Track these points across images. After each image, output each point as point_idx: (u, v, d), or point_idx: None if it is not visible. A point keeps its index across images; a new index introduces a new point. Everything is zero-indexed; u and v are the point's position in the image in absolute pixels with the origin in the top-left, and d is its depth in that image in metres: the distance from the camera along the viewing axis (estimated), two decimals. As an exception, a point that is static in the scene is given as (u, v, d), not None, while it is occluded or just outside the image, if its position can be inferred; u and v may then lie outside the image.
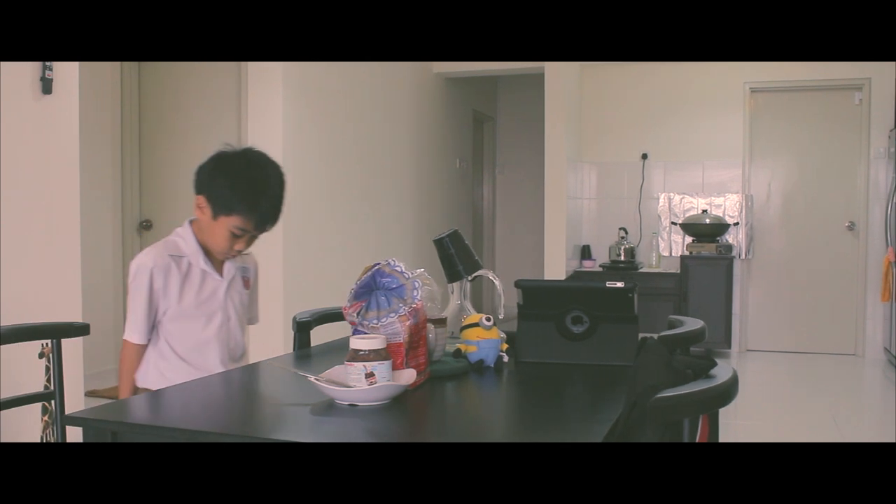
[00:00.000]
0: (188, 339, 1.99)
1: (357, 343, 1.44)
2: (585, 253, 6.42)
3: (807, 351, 6.21)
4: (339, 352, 2.06)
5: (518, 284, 1.84)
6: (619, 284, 1.81)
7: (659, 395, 1.23)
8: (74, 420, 1.34)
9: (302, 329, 2.05)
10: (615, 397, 1.57)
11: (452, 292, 1.89)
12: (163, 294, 1.95)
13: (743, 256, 6.21)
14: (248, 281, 2.12)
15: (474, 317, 1.76)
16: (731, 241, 6.17)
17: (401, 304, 1.50)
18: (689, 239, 6.19)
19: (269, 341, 4.64)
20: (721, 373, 1.37)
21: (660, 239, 6.40)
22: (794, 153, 6.27)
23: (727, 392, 1.30)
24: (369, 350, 1.43)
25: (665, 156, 6.42)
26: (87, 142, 3.41)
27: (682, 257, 5.97)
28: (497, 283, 1.87)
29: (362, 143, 5.52)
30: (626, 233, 6.38)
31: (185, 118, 5.03)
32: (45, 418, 2.97)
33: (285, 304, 4.68)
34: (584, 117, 6.54)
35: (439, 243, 1.88)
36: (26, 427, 2.57)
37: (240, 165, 1.92)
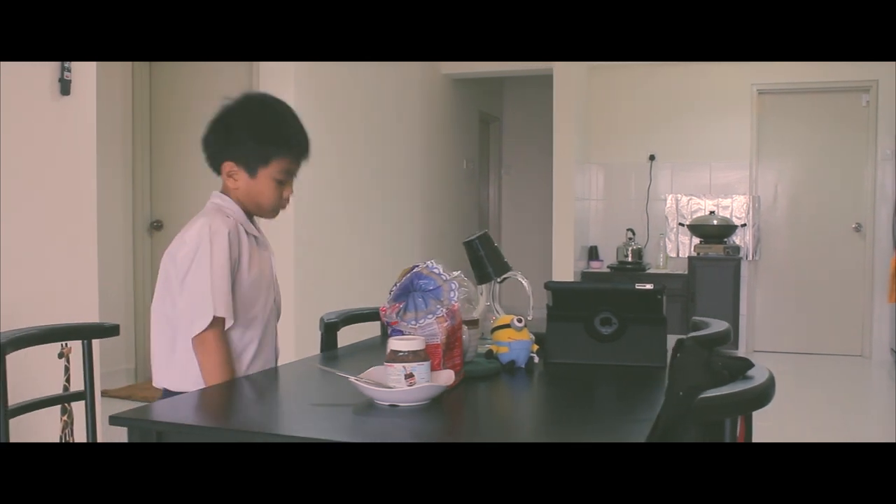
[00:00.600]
0: (250, 324, 1.77)
1: (396, 344, 1.45)
2: (593, 254, 6.44)
3: (813, 352, 6.23)
4: (367, 352, 2.07)
5: (548, 286, 1.85)
6: (649, 286, 1.83)
7: (704, 395, 1.24)
8: (119, 420, 1.35)
9: (329, 330, 2.06)
10: (649, 397, 1.59)
11: (482, 294, 1.91)
12: (237, 265, 1.73)
13: (750, 258, 6.23)
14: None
15: (505, 318, 1.78)
16: (738, 242, 6.19)
17: (438, 306, 1.52)
18: (696, 240, 6.20)
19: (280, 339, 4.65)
20: (758, 373, 1.39)
21: (667, 240, 6.42)
22: (801, 155, 6.29)
23: (766, 392, 1.32)
24: (408, 351, 1.45)
25: (672, 157, 6.44)
26: (99, 142, 3.41)
27: (690, 258, 5.99)
28: (526, 284, 1.88)
29: (373, 143, 5.54)
30: (634, 234, 6.40)
31: (196, 118, 4.99)
32: (65, 418, 2.99)
33: (296, 303, 4.70)
34: (592, 119, 6.56)
35: (469, 245, 1.89)
36: (42, 427, 2.58)
37: (251, 113, 1.82)
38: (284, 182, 1.84)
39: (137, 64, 5.04)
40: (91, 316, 3.36)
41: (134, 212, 5.05)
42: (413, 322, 1.51)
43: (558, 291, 1.87)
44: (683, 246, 6.36)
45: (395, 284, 1.52)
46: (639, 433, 1.30)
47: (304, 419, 1.44)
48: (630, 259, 6.25)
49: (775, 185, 6.36)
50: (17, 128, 3.00)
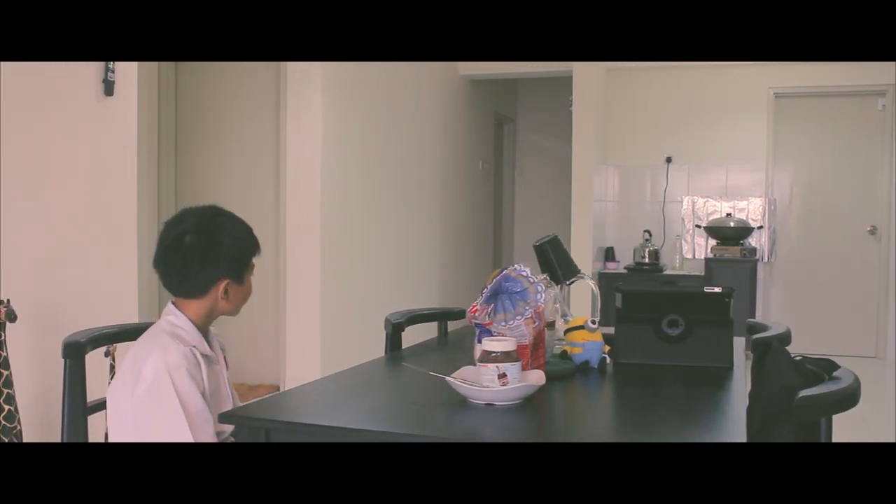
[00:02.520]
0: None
1: (490, 345, 1.49)
2: (609, 255, 6.49)
3: (828, 353, 6.28)
4: (432, 352, 2.11)
5: (618, 289, 1.90)
6: (717, 290, 1.87)
7: (803, 395, 1.28)
8: (228, 418, 1.39)
9: (395, 330, 2.10)
10: (725, 397, 1.63)
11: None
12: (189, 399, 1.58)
13: (765, 260, 6.28)
14: (227, 360, 1.83)
15: (579, 319, 1.82)
16: (754, 244, 6.24)
17: (526, 307, 1.56)
18: (712, 242, 6.25)
19: (306, 334, 4.70)
20: (844, 375, 1.43)
21: (683, 242, 6.47)
22: (816, 158, 6.35)
23: (857, 392, 1.36)
24: (501, 352, 1.49)
25: (689, 159, 6.49)
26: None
27: (707, 260, 6.04)
28: (594, 287, 1.92)
29: (393, 143, 5.58)
30: (651, 235, 6.44)
31: (221, 118, 5.07)
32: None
33: (322, 298, 4.74)
34: (608, 121, 6.60)
35: (540, 249, 1.93)
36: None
37: (221, 225, 1.72)
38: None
39: (163, 64, 5.07)
40: (131, 315, 3.39)
41: (159, 211, 5.07)
42: (503, 323, 1.55)
43: (628, 294, 1.91)
44: (699, 247, 6.41)
45: (486, 287, 1.56)
46: (736, 432, 1.34)
47: (407, 417, 1.48)
48: (647, 260, 6.29)
49: (791, 188, 6.41)
50: (63, 129, 3.04)
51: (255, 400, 1.52)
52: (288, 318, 4.76)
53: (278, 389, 4.80)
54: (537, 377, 1.53)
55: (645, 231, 6.47)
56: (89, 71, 3.15)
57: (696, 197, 6.48)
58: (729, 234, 6.14)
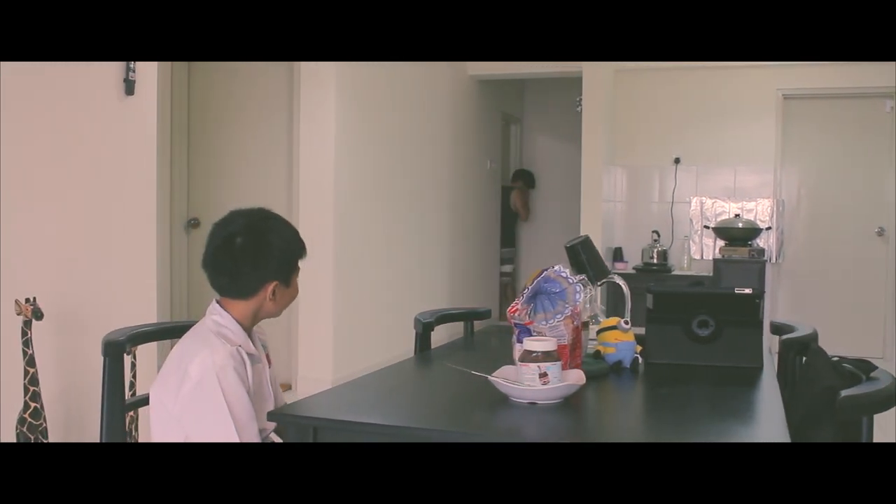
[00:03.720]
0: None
1: (531, 345, 1.51)
2: (617, 255, 6.51)
3: (835, 354, 6.29)
4: (462, 352, 2.13)
5: (649, 290, 1.92)
6: (748, 291, 1.90)
7: (845, 395, 1.30)
8: (275, 416, 1.41)
9: (425, 329, 2.11)
10: (764, 396, 1.65)
11: (582, 296, 1.96)
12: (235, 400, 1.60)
13: (773, 260, 6.30)
14: (269, 357, 1.84)
15: (612, 320, 1.84)
16: (762, 244, 6.26)
17: (565, 307, 1.58)
18: (720, 242, 6.27)
19: (318, 332, 4.72)
20: (882, 375, 1.46)
21: (691, 242, 6.49)
22: (825, 159, 6.37)
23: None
24: (542, 352, 1.51)
25: (697, 160, 6.51)
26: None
27: (715, 260, 6.05)
28: (625, 288, 1.94)
29: (404, 142, 5.60)
30: (659, 235, 6.46)
31: (234, 117, 5.09)
32: (131, 414, 3.02)
33: (335, 301, 4.76)
34: (617, 121, 6.62)
35: (571, 250, 1.95)
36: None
37: (272, 228, 1.75)
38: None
39: (176, 64, 5.08)
40: (149, 315, 3.40)
41: (171, 209, 5.09)
42: (543, 323, 1.57)
43: (659, 295, 1.93)
44: (707, 248, 6.43)
45: (526, 287, 1.58)
46: (776, 432, 1.36)
47: (454, 414, 1.51)
48: (655, 261, 6.31)
49: (799, 189, 6.44)
50: (86, 128, 3.05)
51: (302, 398, 1.54)
52: (301, 318, 4.78)
53: (290, 388, 4.82)
54: (577, 377, 1.55)
55: (653, 231, 6.49)
56: (111, 71, 3.16)
57: (704, 198, 6.50)
58: (737, 235, 6.15)
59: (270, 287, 1.71)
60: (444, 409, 1.54)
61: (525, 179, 7.95)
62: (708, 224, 6.43)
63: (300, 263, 1.79)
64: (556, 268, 1.60)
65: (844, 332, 6.30)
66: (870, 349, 6.26)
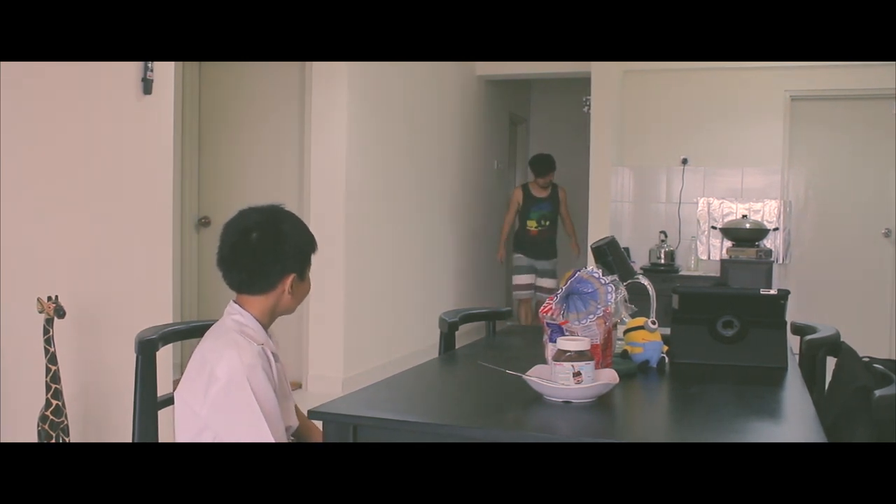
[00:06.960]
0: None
1: (565, 344, 1.53)
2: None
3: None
4: (487, 351, 2.15)
5: (675, 291, 1.93)
6: (773, 292, 1.91)
7: (880, 394, 1.32)
8: (316, 414, 1.43)
9: (451, 329, 2.13)
10: (792, 396, 1.67)
11: (607, 296, 1.98)
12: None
13: (780, 261, 6.32)
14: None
15: (639, 320, 1.85)
16: (769, 245, 6.28)
17: (597, 307, 1.59)
18: (727, 243, 6.29)
19: (329, 331, 4.73)
20: (912, 376, 1.47)
21: (698, 243, 6.50)
22: (832, 160, 6.39)
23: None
24: (575, 351, 1.52)
25: (704, 161, 6.53)
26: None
27: (723, 261, 6.07)
28: (651, 289, 1.96)
29: (413, 142, 5.62)
30: (666, 236, 6.48)
31: (244, 116, 5.10)
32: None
33: (346, 300, 4.77)
34: (625, 122, 6.64)
35: (598, 250, 1.97)
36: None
37: (288, 222, 1.75)
38: None
39: (187, 64, 5.10)
40: (165, 314, 3.42)
41: (182, 208, 5.11)
42: (576, 323, 1.58)
43: (684, 296, 1.95)
44: (714, 249, 6.44)
45: (560, 288, 1.60)
46: (810, 431, 1.37)
47: (491, 413, 1.52)
48: (663, 261, 6.33)
49: (806, 190, 6.45)
50: (106, 128, 3.06)
51: (339, 396, 1.55)
52: (311, 316, 4.80)
53: (301, 387, 4.84)
54: (611, 376, 1.56)
55: (661, 232, 6.51)
56: (129, 70, 3.18)
57: (711, 198, 6.52)
58: (744, 236, 6.17)
59: (289, 280, 1.71)
60: (479, 406, 1.56)
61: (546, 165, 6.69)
62: (715, 225, 6.44)
63: (311, 259, 1.80)
64: (590, 269, 1.61)
65: (851, 332, 6.29)
66: (877, 350, 6.27)
